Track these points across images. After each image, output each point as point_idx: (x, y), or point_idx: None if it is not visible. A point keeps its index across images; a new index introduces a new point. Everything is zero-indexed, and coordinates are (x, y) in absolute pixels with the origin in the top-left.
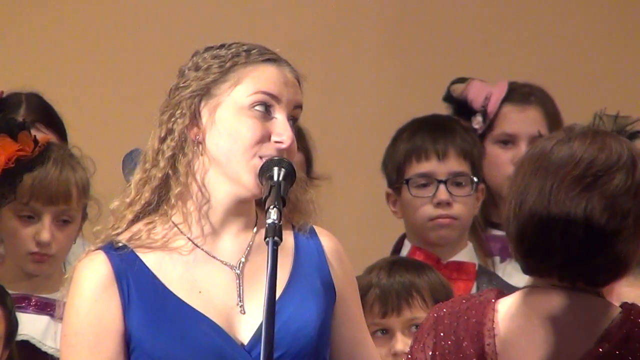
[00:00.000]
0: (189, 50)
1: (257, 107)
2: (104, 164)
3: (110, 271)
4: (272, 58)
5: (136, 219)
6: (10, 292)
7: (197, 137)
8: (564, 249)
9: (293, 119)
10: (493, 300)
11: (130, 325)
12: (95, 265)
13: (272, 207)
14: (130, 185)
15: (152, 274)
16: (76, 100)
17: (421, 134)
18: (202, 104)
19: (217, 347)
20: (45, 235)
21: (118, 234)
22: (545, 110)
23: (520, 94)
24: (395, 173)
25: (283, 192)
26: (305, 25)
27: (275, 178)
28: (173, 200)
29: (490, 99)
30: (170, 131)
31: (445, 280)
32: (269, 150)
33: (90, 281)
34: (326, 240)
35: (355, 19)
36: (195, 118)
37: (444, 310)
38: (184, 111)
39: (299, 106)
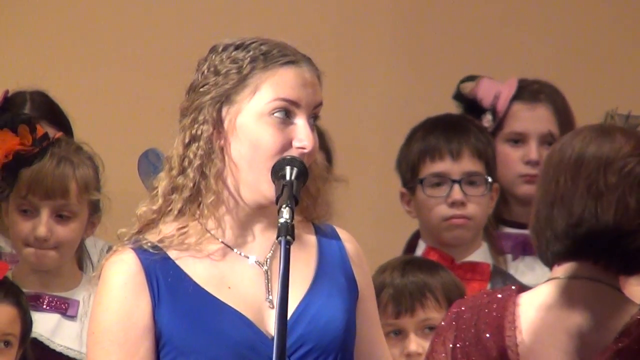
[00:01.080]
0: (198, 47)
1: (277, 114)
2: (110, 162)
3: (139, 268)
4: (290, 60)
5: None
6: (23, 290)
7: (220, 142)
8: (615, 226)
9: (314, 117)
10: (515, 295)
11: (160, 322)
12: (124, 263)
13: (284, 206)
14: (156, 192)
15: (182, 271)
16: (83, 98)
17: (435, 134)
18: (224, 110)
19: (249, 339)
20: (41, 230)
21: (145, 238)
22: (555, 107)
23: (529, 91)
24: (410, 172)
25: (295, 191)
26: (317, 24)
27: (288, 177)
28: (207, 210)
29: (499, 97)
30: (194, 137)
31: (459, 280)
32: (291, 154)
33: (120, 278)
34: (348, 241)
35: (368, 18)
36: (217, 124)
37: (465, 304)
38: (206, 117)
39: (318, 105)
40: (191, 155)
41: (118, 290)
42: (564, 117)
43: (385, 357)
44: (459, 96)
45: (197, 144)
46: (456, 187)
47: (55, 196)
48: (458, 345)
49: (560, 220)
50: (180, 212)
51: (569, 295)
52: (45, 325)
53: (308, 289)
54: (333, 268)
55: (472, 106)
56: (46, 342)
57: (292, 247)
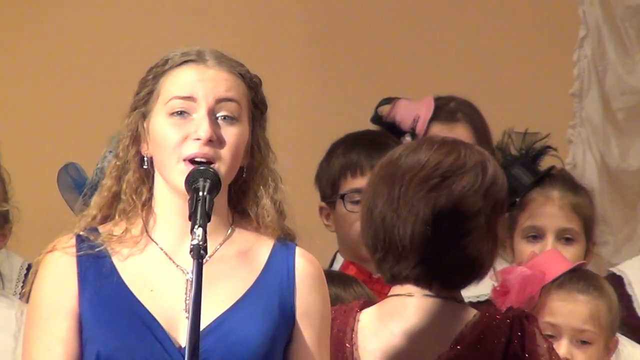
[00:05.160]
0: (118, 63)
1: (174, 113)
2: (29, 176)
3: (73, 256)
4: (189, 59)
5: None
6: None
7: (147, 153)
8: (415, 250)
9: (227, 117)
10: (357, 310)
11: (82, 307)
12: (61, 250)
13: (197, 226)
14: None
15: (113, 265)
16: (8, 115)
17: (357, 150)
18: (145, 123)
19: (151, 344)
20: None
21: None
22: (472, 124)
23: (446, 111)
24: (330, 187)
25: (208, 208)
26: (229, 44)
27: (201, 192)
28: (145, 214)
29: (418, 120)
30: (117, 153)
31: (373, 294)
32: (189, 148)
33: (53, 264)
34: (303, 264)
35: (280, 38)
36: (139, 136)
37: None
38: (127, 133)
39: (224, 99)
40: (112, 168)
41: (50, 274)
42: (481, 133)
43: None
44: (376, 119)
45: (118, 157)
46: None
47: None
48: None
49: (369, 246)
50: (105, 217)
51: (402, 312)
52: None
53: (231, 305)
54: (271, 290)
55: (391, 129)
56: None
57: (234, 258)
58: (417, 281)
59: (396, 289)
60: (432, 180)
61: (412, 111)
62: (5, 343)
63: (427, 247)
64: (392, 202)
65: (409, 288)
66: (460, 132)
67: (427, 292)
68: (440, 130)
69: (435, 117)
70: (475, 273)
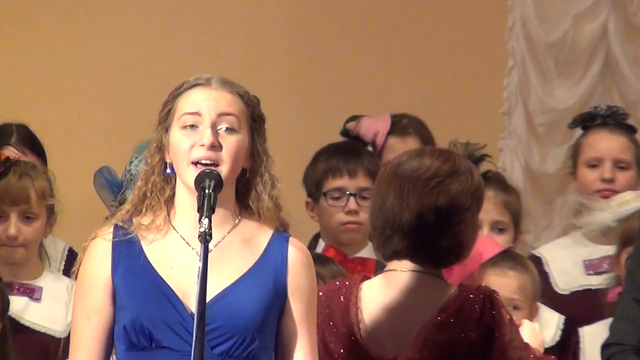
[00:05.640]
0: (143, 87)
1: (185, 126)
2: (71, 177)
3: (110, 241)
4: (199, 83)
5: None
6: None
7: (169, 160)
8: (418, 233)
9: (228, 128)
10: (359, 282)
11: (116, 282)
12: (102, 237)
13: (203, 217)
14: (127, 200)
15: (141, 248)
16: (53, 127)
17: (337, 156)
18: (166, 134)
19: (169, 310)
20: (11, 230)
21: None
22: (421, 137)
23: (400, 126)
24: (315, 186)
25: (213, 202)
26: (216, 67)
27: (207, 190)
28: (167, 207)
29: (377, 134)
30: (147, 160)
31: (345, 271)
32: (196, 153)
33: (94, 248)
34: (294, 251)
35: (271, 70)
36: (163, 147)
37: (322, 289)
38: (154, 144)
39: (224, 114)
40: (142, 173)
41: (91, 256)
42: (428, 144)
43: (302, 347)
44: (345, 133)
45: (147, 164)
46: (352, 199)
47: (20, 202)
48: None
49: (379, 227)
50: (150, 208)
51: (398, 284)
52: (17, 306)
53: (234, 281)
54: (268, 271)
55: (356, 140)
56: (17, 319)
57: (239, 244)
58: (414, 258)
59: (393, 264)
60: (435, 179)
61: (373, 127)
62: (59, 309)
63: (428, 232)
64: (402, 194)
65: (405, 264)
66: (412, 144)
67: (419, 268)
68: (395, 142)
69: (391, 131)
70: (461, 255)
